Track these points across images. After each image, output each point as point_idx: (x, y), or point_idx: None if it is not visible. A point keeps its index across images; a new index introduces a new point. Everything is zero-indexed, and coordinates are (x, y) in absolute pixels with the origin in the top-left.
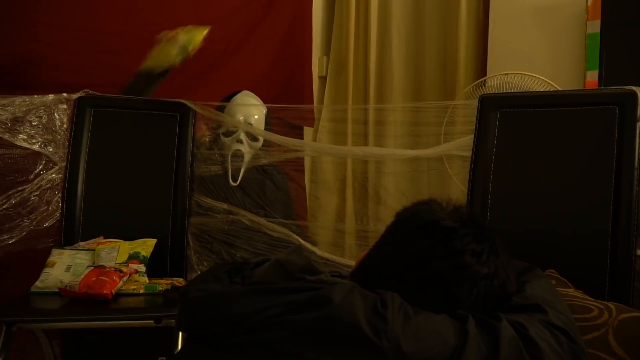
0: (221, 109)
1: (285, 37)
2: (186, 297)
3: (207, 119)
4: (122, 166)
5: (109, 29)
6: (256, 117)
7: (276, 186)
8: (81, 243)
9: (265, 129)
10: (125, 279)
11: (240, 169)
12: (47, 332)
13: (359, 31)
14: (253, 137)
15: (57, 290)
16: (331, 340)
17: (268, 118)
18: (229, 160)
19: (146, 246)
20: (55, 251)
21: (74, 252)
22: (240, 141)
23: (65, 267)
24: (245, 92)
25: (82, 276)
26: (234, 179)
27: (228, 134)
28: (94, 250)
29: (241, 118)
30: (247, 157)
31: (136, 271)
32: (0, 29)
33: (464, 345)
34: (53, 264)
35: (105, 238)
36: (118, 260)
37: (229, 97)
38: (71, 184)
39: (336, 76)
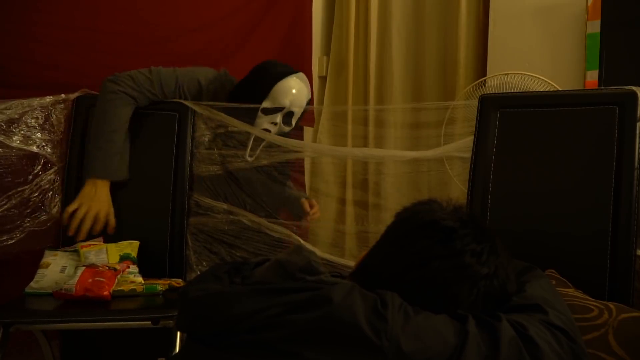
0: (266, 84)
1: (285, 37)
2: (186, 297)
3: (207, 118)
4: None
5: (109, 29)
6: (296, 108)
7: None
8: (81, 244)
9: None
10: (119, 276)
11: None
12: (45, 333)
13: (359, 31)
14: (287, 122)
15: (52, 292)
16: (331, 340)
17: (308, 106)
18: (253, 137)
19: (133, 247)
20: (48, 252)
21: (68, 253)
22: (275, 123)
23: (59, 268)
24: (302, 75)
25: (77, 277)
26: (251, 155)
27: (268, 111)
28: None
29: (286, 102)
30: (270, 136)
31: (128, 266)
32: (0, 29)
33: (463, 345)
34: (47, 265)
35: (105, 239)
36: (110, 261)
37: (279, 71)
38: (70, 185)
39: (336, 76)
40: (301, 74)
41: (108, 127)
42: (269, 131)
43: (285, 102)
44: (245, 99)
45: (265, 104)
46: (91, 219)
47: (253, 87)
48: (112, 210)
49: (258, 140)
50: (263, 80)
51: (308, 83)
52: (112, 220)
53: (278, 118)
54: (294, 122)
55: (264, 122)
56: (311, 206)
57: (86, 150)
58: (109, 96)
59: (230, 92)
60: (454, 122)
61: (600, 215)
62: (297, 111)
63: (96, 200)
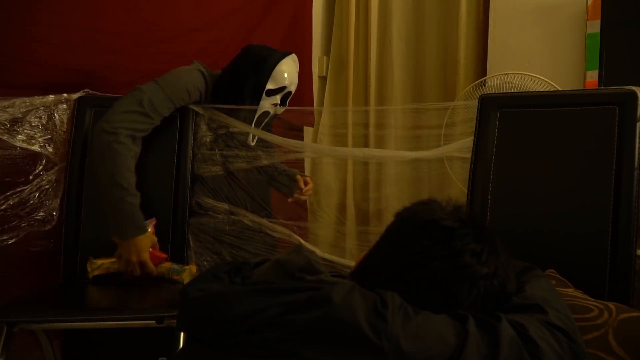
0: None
1: (285, 37)
2: (186, 297)
3: (208, 119)
4: None
5: (110, 29)
6: (293, 87)
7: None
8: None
9: (267, 127)
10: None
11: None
12: (47, 333)
13: (359, 31)
14: (283, 103)
15: None
16: (331, 340)
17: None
18: (255, 118)
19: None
20: None
21: None
22: (276, 104)
23: None
24: (294, 56)
25: None
26: (253, 139)
27: (271, 92)
28: None
29: (285, 76)
30: (268, 119)
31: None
32: (0, 29)
33: (463, 344)
34: None
35: (105, 239)
36: None
37: (277, 52)
38: (71, 185)
39: (336, 76)
40: (294, 55)
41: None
42: (269, 112)
43: (287, 81)
44: (247, 83)
45: (270, 86)
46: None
47: (256, 69)
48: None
49: (258, 123)
50: (265, 62)
51: (298, 63)
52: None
53: (278, 98)
54: (287, 103)
55: (266, 104)
56: (306, 183)
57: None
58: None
59: (220, 78)
60: (454, 123)
61: (600, 215)
62: (292, 91)
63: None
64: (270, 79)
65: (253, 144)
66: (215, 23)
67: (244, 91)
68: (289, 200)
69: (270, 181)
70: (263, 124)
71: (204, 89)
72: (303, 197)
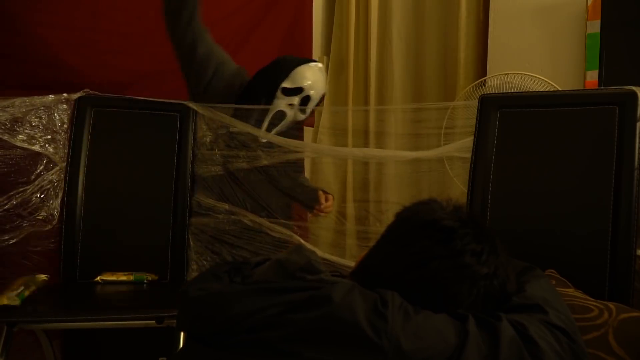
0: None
1: (285, 37)
2: (186, 297)
3: (208, 119)
4: (123, 166)
5: (110, 29)
6: (313, 92)
7: (277, 187)
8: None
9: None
10: None
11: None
12: (47, 333)
13: (359, 31)
14: (303, 108)
15: None
16: (331, 340)
17: (321, 100)
18: (269, 117)
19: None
20: None
21: None
22: (292, 105)
23: None
24: (322, 66)
25: None
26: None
27: (287, 91)
28: None
29: (306, 84)
30: (285, 121)
31: None
32: (1, 29)
33: (464, 344)
34: None
35: (105, 239)
36: None
37: (302, 58)
38: (72, 185)
39: (336, 76)
40: (321, 65)
41: None
42: (285, 113)
43: (305, 83)
44: (264, 81)
45: (286, 84)
46: None
47: (275, 69)
48: None
49: (273, 124)
50: (286, 63)
51: (325, 75)
52: None
53: (296, 100)
54: (308, 111)
55: (281, 103)
56: (326, 200)
57: None
58: None
59: (250, 81)
60: (454, 122)
61: (600, 215)
62: (313, 97)
63: None
64: (287, 78)
65: (264, 141)
66: (215, 23)
67: (258, 88)
68: (310, 215)
69: (291, 196)
70: (280, 126)
71: (238, 83)
72: (322, 214)
